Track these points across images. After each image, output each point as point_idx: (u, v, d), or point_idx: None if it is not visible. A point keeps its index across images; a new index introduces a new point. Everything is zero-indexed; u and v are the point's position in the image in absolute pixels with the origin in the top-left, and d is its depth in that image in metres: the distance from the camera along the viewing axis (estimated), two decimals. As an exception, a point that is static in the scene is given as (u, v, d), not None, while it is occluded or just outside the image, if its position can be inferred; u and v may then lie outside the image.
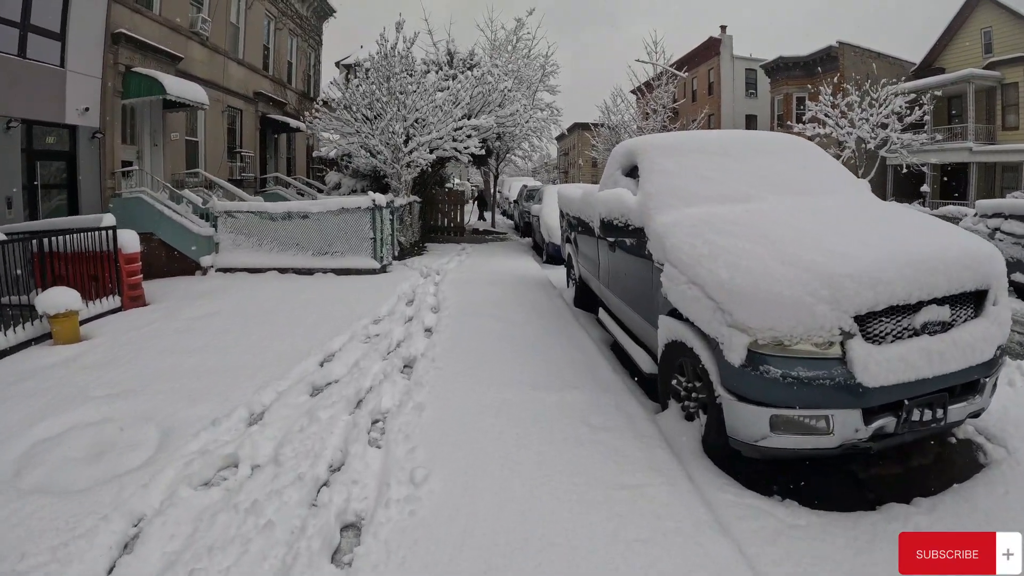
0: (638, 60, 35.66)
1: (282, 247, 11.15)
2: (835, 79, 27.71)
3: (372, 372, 5.27)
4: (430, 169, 14.44)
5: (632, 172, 5.55)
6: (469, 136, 13.76)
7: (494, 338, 6.27)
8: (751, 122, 42.59)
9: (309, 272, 10.75)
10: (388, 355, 5.84)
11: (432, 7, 20.39)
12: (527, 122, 16.47)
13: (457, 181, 56.03)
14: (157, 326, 7.50)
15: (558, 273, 11.02)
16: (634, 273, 5.08)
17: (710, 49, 43.74)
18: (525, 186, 23.39)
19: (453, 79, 14.68)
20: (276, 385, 5.09)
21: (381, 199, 10.75)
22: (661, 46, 31.70)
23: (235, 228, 11.42)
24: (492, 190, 25.45)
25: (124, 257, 8.97)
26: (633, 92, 39.97)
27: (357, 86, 13.45)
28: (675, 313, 4.00)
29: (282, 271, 10.87)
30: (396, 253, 12.62)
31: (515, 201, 24.56)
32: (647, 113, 36.80)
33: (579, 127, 55.14)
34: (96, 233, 8.70)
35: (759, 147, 5.55)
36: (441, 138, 13.17)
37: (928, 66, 30.88)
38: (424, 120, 13.25)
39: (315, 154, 15.83)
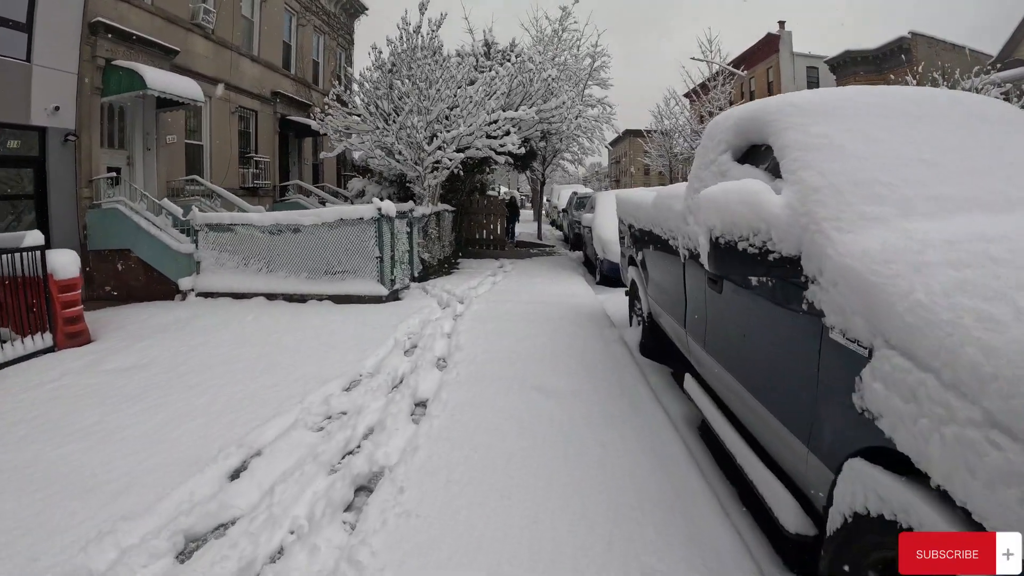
0: (693, 58, 33.32)
1: (272, 268, 9.07)
2: (918, 69, 24.54)
3: (292, 513, 2.98)
4: (462, 173, 12.15)
5: (754, 155, 3.18)
6: (507, 133, 11.47)
7: (517, 429, 3.90)
8: (815, 124, 39.62)
9: (301, 299, 8.61)
10: (337, 467, 3.53)
11: (475, 8, 18.43)
12: (576, 117, 13.95)
13: (505, 189, 53.63)
14: (66, 382, 5.52)
15: (616, 300, 8.64)
16: (772, 341, 2.67)
17: (768, 46, 40.77)
18: (575, 193, 21.01)
19: (489, 71, 12.42)
20: (126, 531, 2.88)
21: (390, 208, 8.52)
22: (716, 44, 28.85)
23: (218, 244, 9.43)
24: (540, 198, 22.97)
25: (57, 285, 7.06)
26: (686, 95, 37.78)
27: (372, 75, 11.31)
28: (889, 459, 1.67)
29: (270, 297, 8.78)
30: (416, 273, 10.43)
31: (564, 210, 22.21)
32: (702, 116, 34.45)
33: (630, 134, 53.41)
34: (19, 255, 6.81)
35: (969, 110, 3.09)
36: (471, 134, 10.89)
37: (1007, 57, 27.29)
38: (453, 114, 11.03)
39: (322, 155, 13.71)
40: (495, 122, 10.95)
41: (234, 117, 15.49)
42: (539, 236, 20.44)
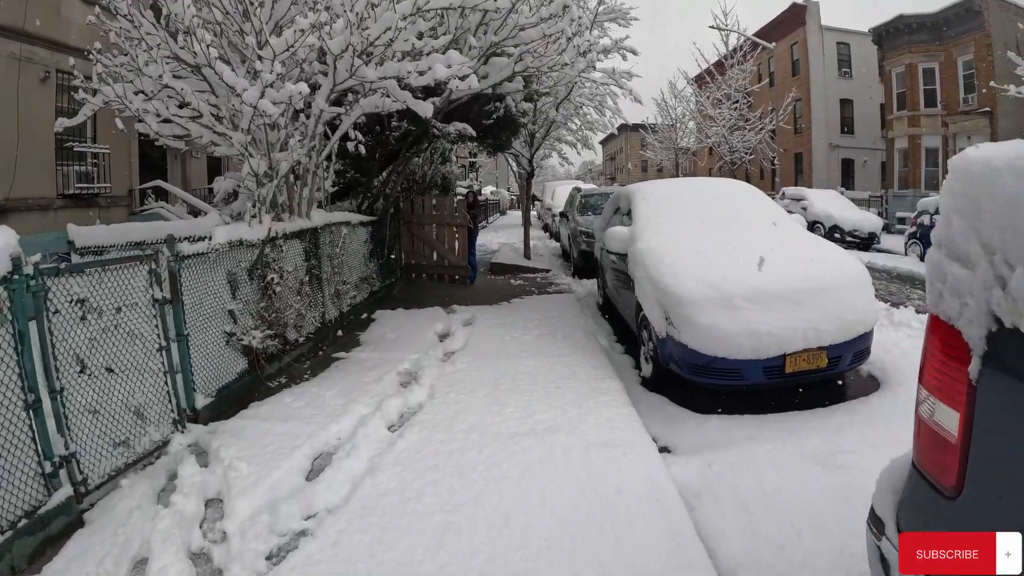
0: (711, 27, 28.00)
1: None
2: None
3: None
4: (366, 150, 6.16)
5: None
6: (428, 52, 5.54)
7: None
8: (847, 107, 34.57)
9: None
10: None
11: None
12: (586, 53, 7.76)
13: (492, 189, 46.96)
14: None
15: (758, 529, 2.91)
16: None
17: (793, 19, 35.50)
18: (577, 190, 14.96)
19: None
20: None
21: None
22: (733, 15, 23.68)
23: None
24: (527, 197, 16.35)
25: None
26: (695, 79, 33.88)
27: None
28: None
29: None
30: (227, 381, 4.61)
31: (562, 214, 16.02)
32: (718, 100, 29.23)
33: (627, 129, 50.21)
34: None
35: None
36: (346, 49, 4.78)
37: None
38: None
39: (60, 124, 7.45)
40: (412, 18, 4.85)
41: (46, 87, 9.66)
42: (527, 253, 14.28)
